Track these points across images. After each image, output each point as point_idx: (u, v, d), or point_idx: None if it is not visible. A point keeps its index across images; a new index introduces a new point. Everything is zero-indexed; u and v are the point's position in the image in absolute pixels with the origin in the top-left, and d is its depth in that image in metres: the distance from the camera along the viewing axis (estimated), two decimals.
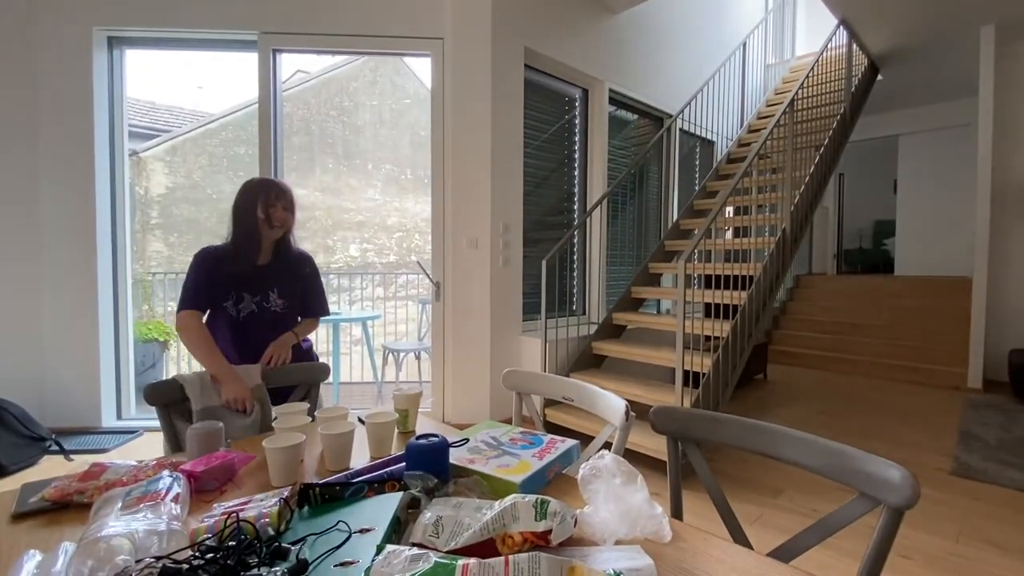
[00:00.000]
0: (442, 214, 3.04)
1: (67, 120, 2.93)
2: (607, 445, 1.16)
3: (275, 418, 1.14)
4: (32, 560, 0.63)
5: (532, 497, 0.71)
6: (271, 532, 0.70)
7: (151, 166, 6.41)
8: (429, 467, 0.87)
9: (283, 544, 0.67)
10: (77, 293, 2.97)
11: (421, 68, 7.57)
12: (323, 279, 1.77)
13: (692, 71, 4.61)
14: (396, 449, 1.11)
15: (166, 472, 0.86)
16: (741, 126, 5.25)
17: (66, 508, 0.85)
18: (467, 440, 1.05)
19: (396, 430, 1.18)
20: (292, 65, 8.08)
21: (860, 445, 0.80)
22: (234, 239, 1.59)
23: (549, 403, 2.94)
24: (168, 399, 1.37)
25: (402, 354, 4.40)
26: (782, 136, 3.68)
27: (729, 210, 4.10)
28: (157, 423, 1.37)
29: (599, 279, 3.83)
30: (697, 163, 4.98)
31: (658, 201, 4.57)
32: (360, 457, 1.06)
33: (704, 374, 2.62)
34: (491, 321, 3.00)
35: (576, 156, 3.80)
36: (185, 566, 0.59)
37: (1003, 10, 3.83)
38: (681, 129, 4.53)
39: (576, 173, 3.82)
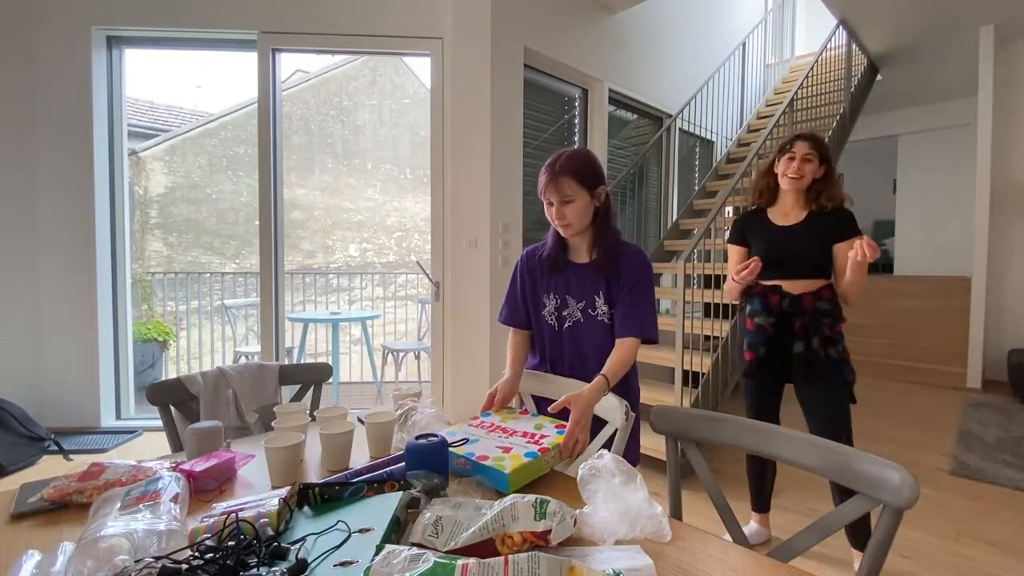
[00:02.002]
0: (441, 214, 3.04)
1: (66, 119, 2.93)
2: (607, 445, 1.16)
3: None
4: (31, 560, 0.63)
5: (531, 497, 0.71)
6: (270, 532, 0.70)
7: (150, 166, 6.40)
8: (428, 467, 0.87)
9: (282, 544, 0.67)
10: (76, 292, 2.97)
11: (421, 68, 7.57)
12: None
13: (692, 71, 4.60)
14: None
15: (165, 472, 0.86)
16: (741, 126, 5.25)
17: (65, 508, 0.85)
18: (466, 440, 1.05)
19: None
20: (291, 65, 8.10)
21: (859, 445, 0.80)
22: None
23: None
24: (171, 399, 1.37)
25: (401, 354, 4.40)
26: (782, 136, 3.68)
27: (729, 210, 4.10)
28: (156, 423, 1.37)
29: None
30: (696, 163, 4.98)
31: (658, 201, 4.57)
32: (360, 457, 1.06)
33: (704, 374, 2.62)
34: (491, 321, 2.99)
35: None
36: (184, 566, 0.59)
37: (1003, 10, 3.83)
38: (681, 129, 4.53)
39: None
